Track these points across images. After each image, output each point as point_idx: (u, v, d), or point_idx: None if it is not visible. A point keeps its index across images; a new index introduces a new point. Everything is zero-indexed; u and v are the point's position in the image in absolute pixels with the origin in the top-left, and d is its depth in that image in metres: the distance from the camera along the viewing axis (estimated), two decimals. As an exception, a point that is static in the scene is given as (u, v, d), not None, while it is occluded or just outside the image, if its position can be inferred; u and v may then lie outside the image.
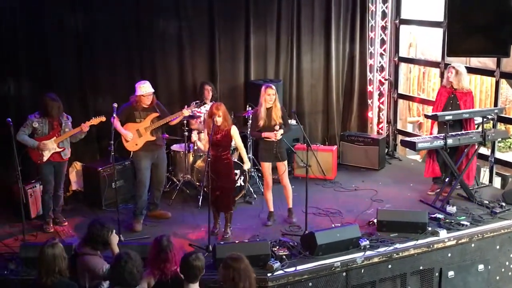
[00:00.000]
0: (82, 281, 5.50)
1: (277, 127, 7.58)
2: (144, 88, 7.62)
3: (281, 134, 7.63)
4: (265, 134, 7.64)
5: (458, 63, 8.83)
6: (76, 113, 8.41)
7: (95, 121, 7.65)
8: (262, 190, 8.88)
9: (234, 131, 7.35)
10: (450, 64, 8.75)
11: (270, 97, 7.57)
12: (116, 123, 7.59)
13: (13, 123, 6.94)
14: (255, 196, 8.76)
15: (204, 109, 8.88)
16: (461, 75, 8.45)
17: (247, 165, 7.69)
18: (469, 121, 8.55)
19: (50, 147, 7.55)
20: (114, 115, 7.45)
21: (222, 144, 7.30)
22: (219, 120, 7.18)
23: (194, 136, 8.85)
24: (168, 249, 5.12)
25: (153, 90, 7.71)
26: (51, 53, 8.59)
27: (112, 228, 5.74)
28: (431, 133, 8.71)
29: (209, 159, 7.14)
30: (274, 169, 7.91)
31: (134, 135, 7.72)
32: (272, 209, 7.94)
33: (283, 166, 7.79)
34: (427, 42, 12.03)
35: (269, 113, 7.62)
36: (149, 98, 7.66)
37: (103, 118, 7.66)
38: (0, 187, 8.39)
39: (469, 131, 8.49)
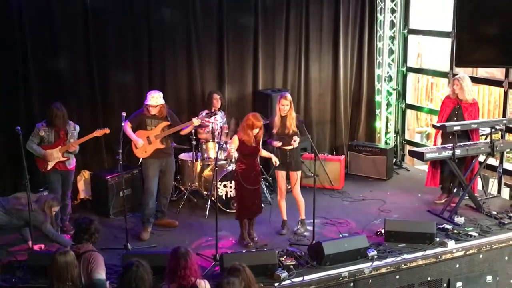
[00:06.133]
0: (85, 279, 5.37)
1: (295, 137, 7.55)
2: (153, 99, 7.69)
3: (298, 143, 7.61)
4: (273, 143, 7.66)
5: (463, 74, 8.83)
6: (86, 121, 8.46)
7: (99, 132, 7.69)
8: (270, 199, 8.95)
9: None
10: (455, 75, 8.74)
11: (284, 107, 7.60)
12: (128, 128, 7.66)
13: (22, 132, 6.96)
14: (262, 205, 8.72)
15: (213, 119, 8.91)
16: (466, 86, 8.43)
17: (274, 159, 7.55)
18: (474, 131, 8.54)
19: (55, 156, 7.58)
20: (123, 123, 7.48)
21: (256, 152, 7.41)
22: (257, 131, 7.28)
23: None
24: (187, 257, 5.11)
25: (162, 103, 7.75)
26: (62, 63, 8.63)
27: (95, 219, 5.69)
28: (435, 143, 8.71)
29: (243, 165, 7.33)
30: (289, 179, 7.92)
31: (144, 142, 7.76)
32: (285, 218, 7.93)
33: (295, 176, 7.77)
34: (436, 52, 12.01)
35: (283, 122, 7.63)
36: (156, 109, 7.71)
37: (107, 131, 7.72)
38: (9, 195, 8.41)
39: (477, 142, 8.48)
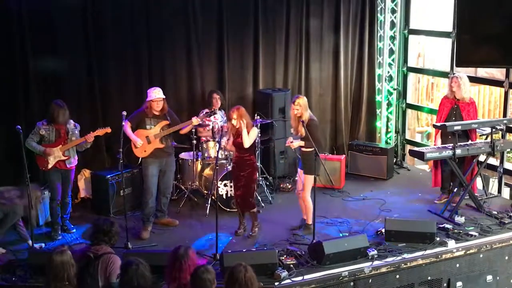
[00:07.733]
0: (103, 281, 5.37)
1: (290, 138, 7.60)
2: (155, 94, 7.71)
3: (298, 145, 7.55)
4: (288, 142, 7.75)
5: (461, 73, 8.82)
6: (85, 121, 8.45)
7: (100, 132, 7.68)
8: (270, 198, 8.95)
9: (251, 131, 7.50)
10: (453, 75, 8.74)
11: (294, 111, 7.57)
12: (127, 128, 7.66)
13: (22, 131, 6.98)
14: (263, 204, 8.75)
15: (213, 118, 8.90)
16: (464, 85, 8.42)
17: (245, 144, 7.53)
18: (473, 130, 8.54)
19: (56, 154, 7.58)
20: (123, 123, 7.49)
21: (238, 144, 7.50)
22: (234, 122, 7.40)
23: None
24: (183, 259, 5.07)
25: (163, 96, 7.78)
26: (62, 63, 8.64)
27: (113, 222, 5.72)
28: (435, 143, 8.71)
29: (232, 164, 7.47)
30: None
31: (144, 142, 7.77)
32: (304, 217, 7.90)
33: (305, 177, 7.68)
34: (438, 52, 12.02)
35: (297, 123, 7.62)
36: (159, 104, 7.73)
37: (109, 130, 7.71)
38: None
39: (478, 141, 8.47)
